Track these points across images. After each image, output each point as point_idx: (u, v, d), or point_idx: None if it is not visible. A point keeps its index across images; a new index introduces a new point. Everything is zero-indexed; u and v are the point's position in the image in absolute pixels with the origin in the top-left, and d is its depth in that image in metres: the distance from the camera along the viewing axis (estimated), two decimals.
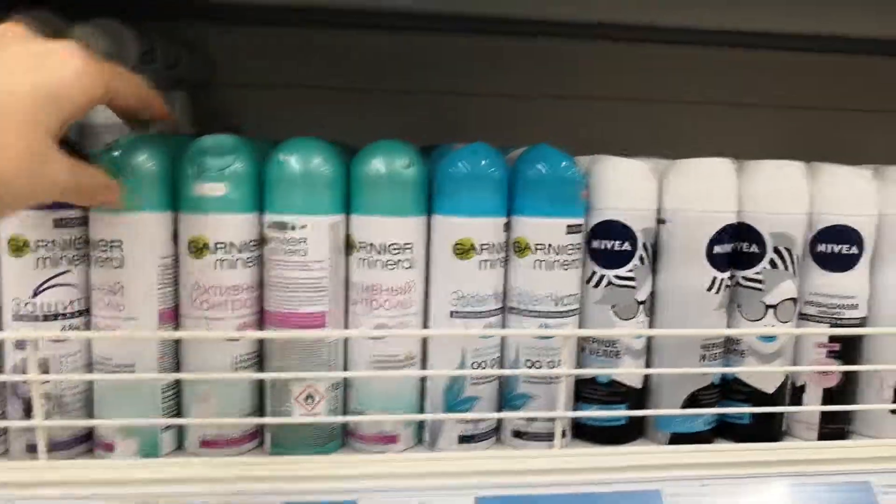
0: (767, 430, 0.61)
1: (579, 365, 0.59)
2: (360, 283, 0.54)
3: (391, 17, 0.86)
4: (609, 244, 0.58)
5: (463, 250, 0.53)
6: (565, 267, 0.56)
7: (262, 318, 0.54)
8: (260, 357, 0.54)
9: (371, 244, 0.53)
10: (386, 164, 0.52)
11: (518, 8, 0.78)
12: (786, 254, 0.59)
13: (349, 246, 0.54)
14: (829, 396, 0.62)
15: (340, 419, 0.54)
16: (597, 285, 0.59)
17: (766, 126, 0.95)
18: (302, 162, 0.51)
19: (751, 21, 0.82)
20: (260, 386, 0.54)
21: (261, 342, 0.53)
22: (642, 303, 0.59)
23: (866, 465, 0.59)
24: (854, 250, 0.60)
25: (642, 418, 0.60)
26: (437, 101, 0.90)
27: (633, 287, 0.58)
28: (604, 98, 0.93)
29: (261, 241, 0.53)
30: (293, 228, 0.51)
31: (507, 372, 0.55)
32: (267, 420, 0.53)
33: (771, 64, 0.94)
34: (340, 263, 0.53)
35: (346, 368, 0.54)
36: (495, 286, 0.55)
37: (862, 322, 0.62)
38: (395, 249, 0.53)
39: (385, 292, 0.53)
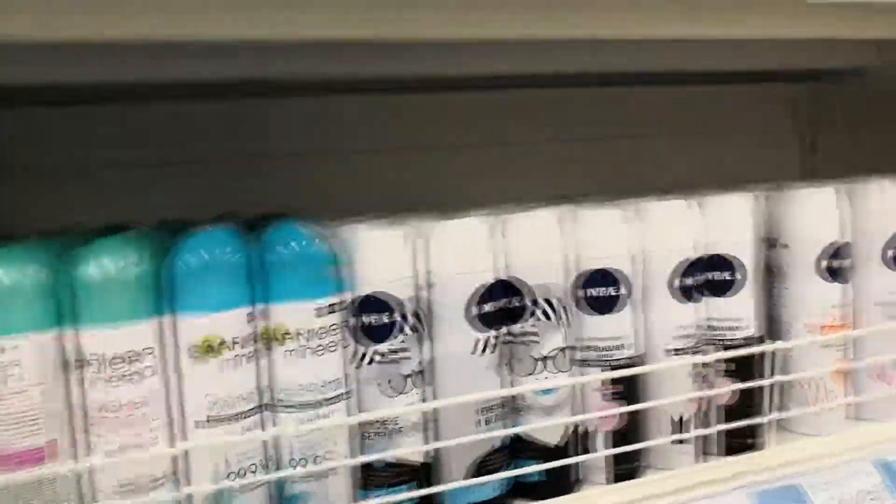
0: (561, 483, 0.60)
1: (359, 448, 0.56)
2: (90, 405, 0.48)
3: (168, 88, 0.81)
4: (371, 319, 0.55)
5: (206, 350, 0.49)
6: (325, 351, 0.53)
7: None
8: None
9: (97, 358, 0.48)
10: (105, 267, 0.48)
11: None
12: (550, 305, 0.59)
13: (73, 363, 0.48)
14: (616, 437, 0.62)
15: None
16: (365, 363, 0.56)
17: (538, 163, 0.97)
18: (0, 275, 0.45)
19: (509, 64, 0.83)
20: None
21: None
22: (413, 375, 0.56)
23: (659, 501, 0.59)
24: (617, 291, 0.61)
25: (433, 495, 0.57)
26: (226, 168, 0.85)
27: (401, 360, 0.56)
28: (410, 148, 0.92)
29: None
30: None
31: (267, 477, 0.51)
32: None
33: (535, 101, 0.97)
34: (64, 385, 0.48)
35: (86, 502, 0.48)
36: (249, 384, 0.51)
37: (636, 360, 0.62)
38: (125, 361, 0.48)
39: (120, 410, 0.48)
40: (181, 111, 0.82)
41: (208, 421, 0.50)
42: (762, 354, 0.64)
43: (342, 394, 0.54)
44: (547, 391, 0.59)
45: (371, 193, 0.87)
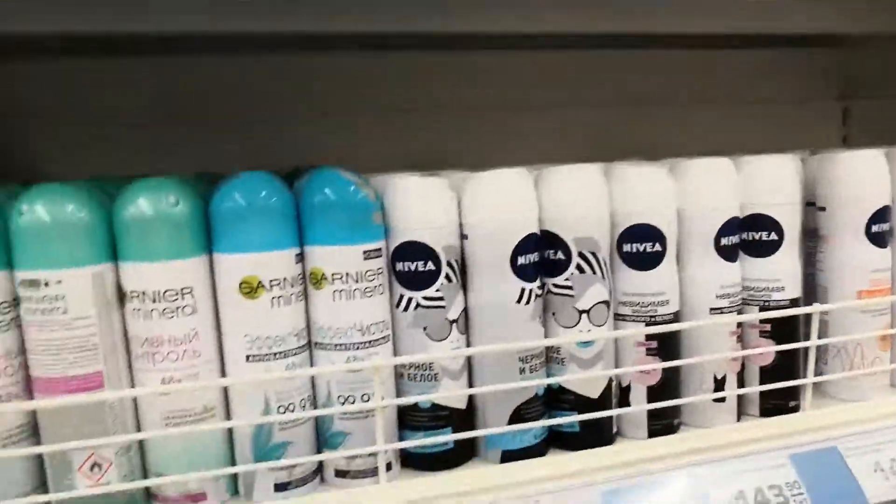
0: (598, 434, 0.60)
1: (399, 391, 0.57)
2: (138, 337, 0.49)
3: (193, 42, 0.81)
4: (412, 265, 0.56)
5: (250, 289, 0.50)
6: (368, 294, 0.54)
7: (30, 386, 0.48)
8: (34, 429, 0.48)
9: (144, 293, 0.48)
10: (150, 205, 0.48)
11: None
12: (591, 258, 0.59)
13: (121, 297, 0.49)
14: (654, 393, 0.62)
15: (128, 486, 0.48)
16: (405, 309, 0.56)
17: (573, 126, 0.96)
18: (48, 211, 0.46)
19: (540, 24, 0.82)
20: (39, 461, 0.48)
21: (33, 413, 0.48)
22: (454, 321, 0.57)
23: (695, 457, 0.59)
24: (658, 247, 0.61)
25: (472, 440, 0.58)
26: (259, 125, 0.86)
27: (442, 307, 0.56)
28: (437, 107, 0.92)
29: (15, 302, 0.47)
30: (47, 285, 0.46)
31: (308, 414, 0.52)
32: (48, 497, 0.47)
33: (568, 63, 0.96)
34: (113, 317, 0.49)
35: (136, 429, 0.49)
36: (293, 323, 0.52)
37: (675, 317, 0.62)
38: (171, 296, 0.48)
39: (167, 343, 0.49)
40: (209, 66, 0.82)
41: (249, 359, 0.51)
42: (802, 317, 0.64)
43: (383, 337, 0.55)
44: (586, 343, 0.59)
45: (393, 153, 0.86)
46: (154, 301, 0.48)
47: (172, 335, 0.49)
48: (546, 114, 0.94)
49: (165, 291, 0.48)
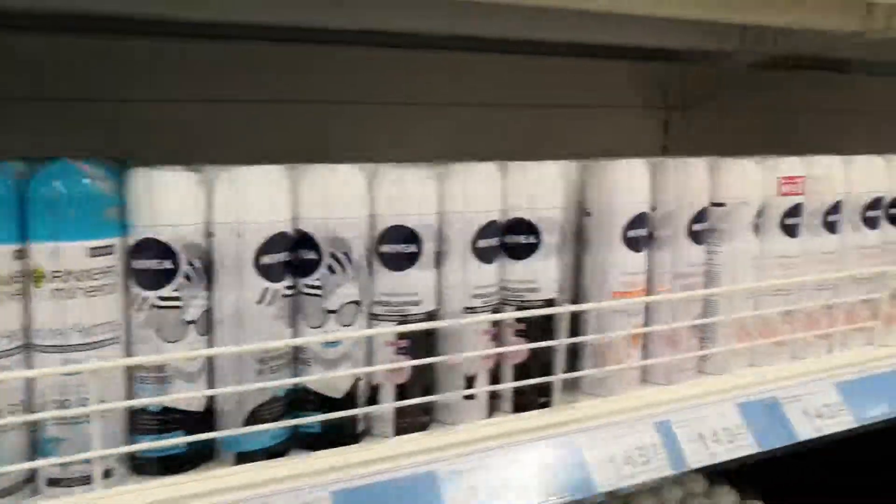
0: (341, 434, 0.61)
1: (131, 394, 0.55)
2: None
3: (51, 19, 0.75)
4: (147, 264, 0.54)
5: None
6: (92, 293, 0.51)
7: None
8: None
9: None
10: None
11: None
12: (343, 258, 0.59)
13: None
14: (404, 391, 0.63)
15: None
16: (139, 309, 0.55)
17: (409, 124, 0.97)
18: None
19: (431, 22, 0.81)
20: None
21: None
22: (192, 322, 0.56)
23: (435, 455, 0.61)
24: (413, 248, 0.62)
25: (208, 442, 0.57)
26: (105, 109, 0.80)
27: (178, 307, 0.55)
28: (293, 101, 0.90)
29: None
30: None
31: (11, 420, 0.50)
32: None
33: (410, 63, 0.96)
34: None
35: None
36: (4, 324, 0.49)
37: (429, 316, 0.63)
38: None
39: None
40: (41, 44, 0.76)
41: None
42: (559, 316, 0.66)
43: (111, 338, 0.53)
44: (333, 343, 0.59)
45: (243, 143, 0.84)
46: None
47: None
48: (383, 111, 0.94)
49: None
